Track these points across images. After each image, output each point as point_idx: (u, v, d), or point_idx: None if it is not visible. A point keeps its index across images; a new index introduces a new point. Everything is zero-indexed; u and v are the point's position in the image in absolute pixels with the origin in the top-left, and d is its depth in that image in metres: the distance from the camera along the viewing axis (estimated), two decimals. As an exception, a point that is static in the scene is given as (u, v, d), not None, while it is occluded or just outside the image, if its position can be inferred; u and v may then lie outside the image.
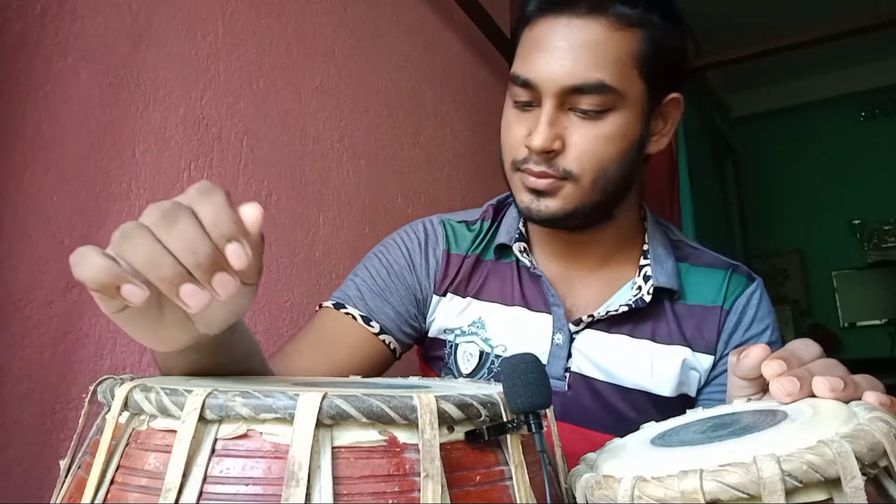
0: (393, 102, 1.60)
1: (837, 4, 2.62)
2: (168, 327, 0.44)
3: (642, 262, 0.85)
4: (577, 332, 0.83)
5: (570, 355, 0.82)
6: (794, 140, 4.21)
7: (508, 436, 0.39)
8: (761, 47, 2.09)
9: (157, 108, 1.02)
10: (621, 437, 0.78)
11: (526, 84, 0.76)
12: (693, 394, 0.83)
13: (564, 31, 0.74)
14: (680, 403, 0.82)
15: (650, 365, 0.81)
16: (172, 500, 0.32)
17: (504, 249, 0.88)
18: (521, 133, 0.78)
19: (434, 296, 0.88)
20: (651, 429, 0.53)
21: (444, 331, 0.88)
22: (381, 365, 0.86)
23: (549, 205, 0.77)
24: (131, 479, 0.35)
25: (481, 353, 0.85)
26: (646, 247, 0.87)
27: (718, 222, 3.57)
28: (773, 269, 4.22)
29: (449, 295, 0.88)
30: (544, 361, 0.78)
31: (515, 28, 0.83)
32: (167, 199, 0.41)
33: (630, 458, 0.45)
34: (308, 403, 0.34)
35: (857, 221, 4.00)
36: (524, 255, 0.85)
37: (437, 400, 0.36)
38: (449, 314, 0.87)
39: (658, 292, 0.82)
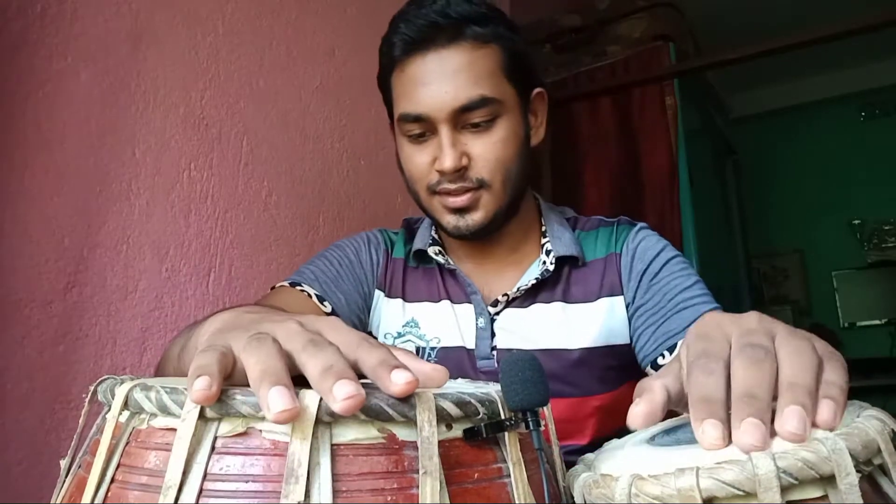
0: (393, 102, 1.60)
1: (837, 4, 2.62)
2: None
3: (543, 241, 0.94)
4: (496, 314, 0.90)
5: (493, 335, 0.89)
6: (794, 140, 4.21)
7: (506, 433, 0.40)
8: (761, 47, 2.09)
9: (157, 108, 1.02)
10: (560, 398, 0.84)
11: (418, 119, 0.83)
12: (627, 339, 0.88)
13: (436, 63, 0.82)
14: (610, 352, 0.88)
15: (567, 324, 0.88)
16: (173, 498, 0.32)
17: (422, 256, 0.95)
18: (425, 161, 0.85)
19: (376, 290, 0.96)
20: (648, 429, 0.53)
21: (385, 335, 0.94)
22: None
23: (474, 218, 0.85)
24: (132, 478, 0.36)
25: (417, 348, 0.92)
26: (544, 228, 0.95)
27: (718, 222, 3.57)
28: (773, 269, 4.22)
29: (388, 296, 0.96)
30: (472, 346, 0.89)
31: (382, 76, 0.90)
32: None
33: (627, 457, 0.45)
34: (307, 401, 0.34)
35: (857, 221, 4.00)
36: (440, 255, 0.93)
37: (435, 398, 0.36)
38: (388, 316, 0.95)
39: (561, 262, 0.90)
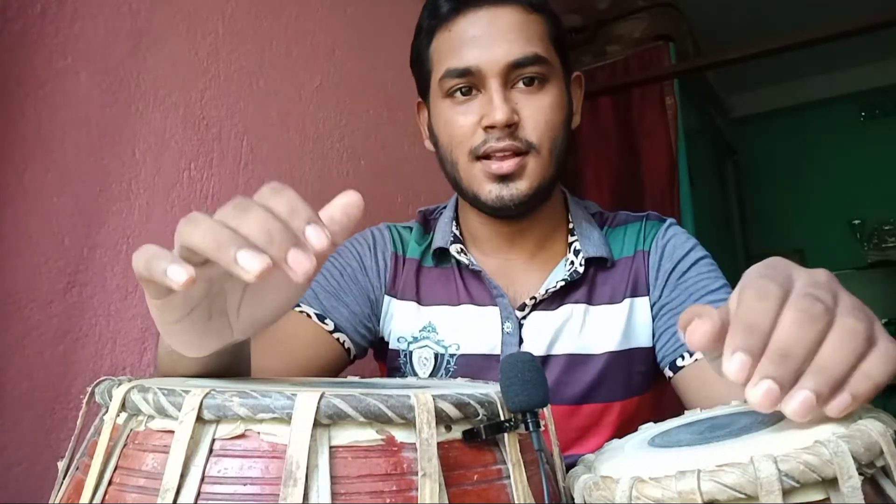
0: (393, 102, 1.60)
1: (837, 4, 2.62)
2: (210, 334, 0.44)
3: (570, 238, 0.89)
4: (524, 318, 0.85)
5: (521, 341, 0.84)
6: (794, 140, 4.21)
7: (506, 435, 0.39)
8: (761, 47, 2.09)
9: (157, 108, 1.02)
10: (585, 404, 0.82)
11: (465, 73, 0.80)
12: (650, 342, 0.85)
13: (489, 20, 0.80)
14: (634, 356, 0.85)
15: (592, 327, 0.85)
16: (170, 501, 0.32)
17: (442, 254, 0.91)
18: (471, 121, 0.81)
19: (386, 296, 0.91)
20: (649, 430, 0.53)
21: (398, 339, 0.89)
22: (336, 365, 0.86)
23: (519, 187, 0.81)
24: (129, 480, 0.35)
25: (436, 354, 0.87)
26: (571, 225, 0.90)
27: (718, 222, 3.56)
28: (774, 269, 4.20)
29: (399, 299, 0.90)
30: (497, 352, 0.84)
31: (420, 45, 0.87)
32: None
33: (628, 458, 0.45)
34: (305, 403, 0.34)
35: (857, 221, 3.99)
36: (462, 254, 0.88)
37: (434, 399, 0.36)
38: (401, 320, 0.89)
39: (590, 262, 0.86)
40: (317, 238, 0.37)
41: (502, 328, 0.85)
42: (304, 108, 1.33)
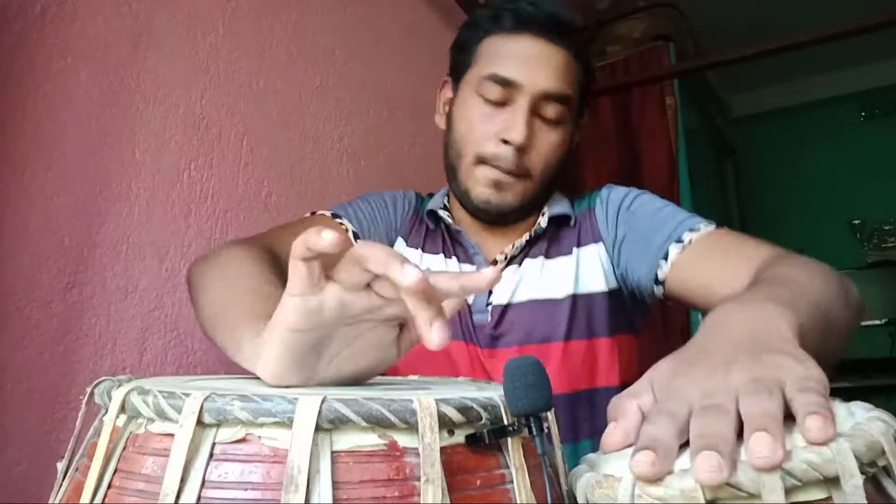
0: (393, 102, 1.60)
1: (837, 4, 2.62)
2: (296, 368, 0.46)
3: (543, 208, 0.99)
4: None
5: (490, 292, 0.93)
6: (794, 140, 4.21)
7: (509, 439, 0.39)
8: (761, 47, 2.08)
9: (157, 108, 1.02)
10: (570, 340, 0.89)
11: (507, 83, 0.88)
12: (604, 286, 0.93)
13: (541, 49, 0.89)
14: (596, 299, 0.92)
15: (547, 276, 0.93)
16: (171, 505, 0.32)
17: (435, 216, 1.01)
18: (491, 130, 0.89)
19: (399, 237, 1.02)
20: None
21: None
22: None
23: (507, 199, 0.91)
24: (129, 484, 0.35)
25: None
26: (545, 208, 1.00)
27: (718, 222, 3.57)
28: (773, 269, 4.20)
29: (408, 245, 1.01)
30: (470, 301, 0.93)
31: (472, 35, 0.95)
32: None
33: (630, 457, 0.45)
34: (307, 407, 0.34)
35: (857, 221, 3.99)
36: (448, 217, 0.99)
37: (437, 403, 0.36)
38: None
39: (553, 220, 0.96)
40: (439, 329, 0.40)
41: None
42: (304, 108, 1.33)
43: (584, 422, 0.90)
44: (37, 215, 0.85)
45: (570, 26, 0.92)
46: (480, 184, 0.90)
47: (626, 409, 0.43)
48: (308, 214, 1.00)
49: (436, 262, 0.98)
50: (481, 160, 0.90)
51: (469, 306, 0.93)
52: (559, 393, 0.88)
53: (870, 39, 2.11)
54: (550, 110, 0.89)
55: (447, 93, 1.01)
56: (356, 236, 0.95)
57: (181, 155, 1.05)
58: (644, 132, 2.45)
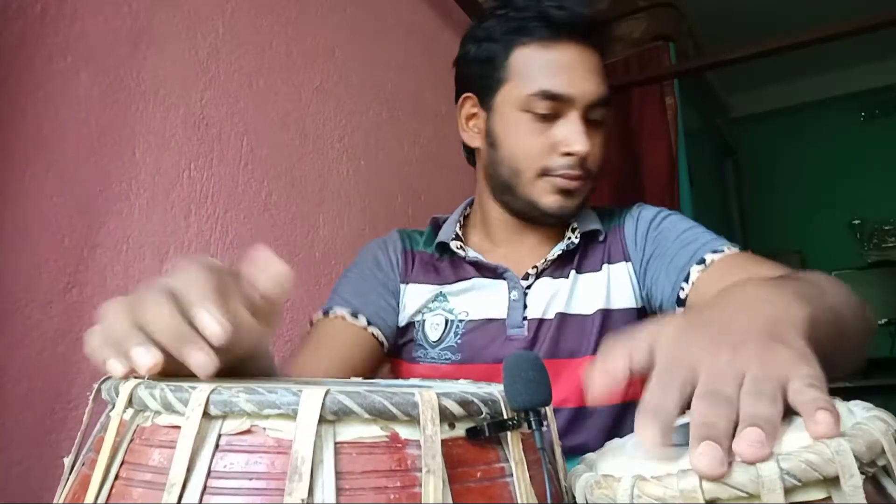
0: (393, 102, 1.60)
1: (837, 4, 2.62)
2: None
3: (571, 221, 0.99)
4: (528, 287, 0.95)
5: (525, 306, 0.93)
6: (794, 140, 4.21)
7: (509, 433, 0.39)
8: (761, 47, 2.09)
9: (157, 108, 1.02)
10: (582, 356, 0.89)
11: (557, 98, 0.88)
12: (632, 303, 0.94)
13: (580, 55, 0.90)
14: (625, 315, 0.93)
15: (577, 291, 0.94)
16: (177, 496, 0.32)
17: (446, 248, 1.00)
18: (547, 143, 0.89)
19: (401, 285, 1.00)
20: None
21: (413, 314, 0.97)
22: (373, 359, 0.95)
23: (575, 202, 0.92)
24: (136, 475, 0.35)
25: (446, 320, 0.95)
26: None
27: (718, 222, 3.57)
28: (773, 269, 4.21)
29: (413, 283, 0.99)
30: (503, 316, 0.93)
31: (501, 45, 0.92)
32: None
33: (629, 457, 0.45)
34: (311, 399, 0.34)
35: (857, 221, 4.00)
36: (460, 249, 0.98)
37: (438, 397, 0.36)
38: (415, 298, 0.98)
39: (584, 235, 0.96)
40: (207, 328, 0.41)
41: (509, 296, 0.94)
42: (304, 108, 1.33)
43: (612, 434, 0.89)
44: (37, 215, 0.85)
45: (600, 26, 0.93)
46: (548, 193, 0.91)
47: (615, 357, 0.44)
48: (308, 326, 0.98)
49: (451, 288, 0.97)
50: (544, 173, 0.90)
51: (502, 321, 0.93)
52: (587, 407, 0.88)
53: (870, 39, 2.11)
54: (597, 114, 0.91)
55: (470, 109, 0.98)
56: (354, 315, 0.93)
57: (181, 155, 1.06)
58: (644, 132, 2.45)
